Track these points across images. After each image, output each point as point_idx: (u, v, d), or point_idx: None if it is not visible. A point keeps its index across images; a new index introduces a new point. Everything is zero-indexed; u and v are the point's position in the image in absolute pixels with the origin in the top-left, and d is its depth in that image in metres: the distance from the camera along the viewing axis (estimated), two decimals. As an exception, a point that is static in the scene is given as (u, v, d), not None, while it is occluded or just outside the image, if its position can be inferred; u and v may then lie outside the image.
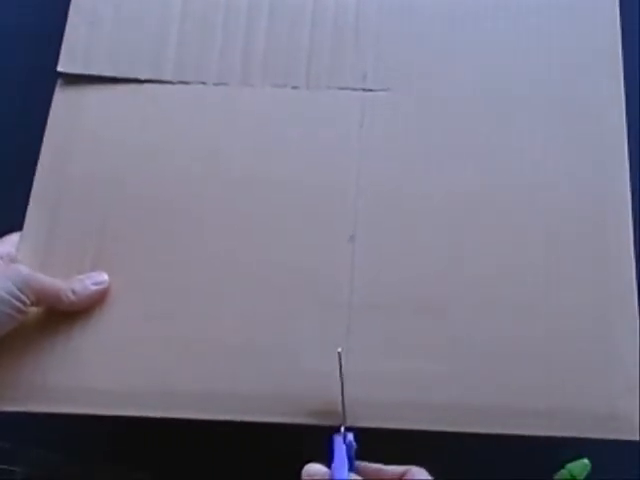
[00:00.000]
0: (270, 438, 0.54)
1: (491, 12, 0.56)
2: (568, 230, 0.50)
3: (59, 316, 0.49)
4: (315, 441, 0.44)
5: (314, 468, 0.43)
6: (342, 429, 0.45)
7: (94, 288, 0.49)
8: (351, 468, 0.43)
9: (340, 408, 0.46)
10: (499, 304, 0.49)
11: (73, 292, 0.48)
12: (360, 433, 0.45)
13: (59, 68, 0.55)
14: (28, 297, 0.46)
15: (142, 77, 0.55)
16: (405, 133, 0.53)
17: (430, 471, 0.43)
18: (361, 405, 0.46)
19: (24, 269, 0.47)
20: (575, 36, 0.55)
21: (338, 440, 0.44)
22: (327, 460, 0.43)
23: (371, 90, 0.55)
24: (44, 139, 0.53)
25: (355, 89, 0.55)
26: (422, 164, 0.52)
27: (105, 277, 0.49)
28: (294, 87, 0.55)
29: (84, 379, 0.47)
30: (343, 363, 0.45)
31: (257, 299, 0.49)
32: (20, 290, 0.46)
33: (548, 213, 0.51)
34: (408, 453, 0.43)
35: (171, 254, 0.51)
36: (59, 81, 0.55)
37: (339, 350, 0.45)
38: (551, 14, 0.56)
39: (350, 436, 0.45)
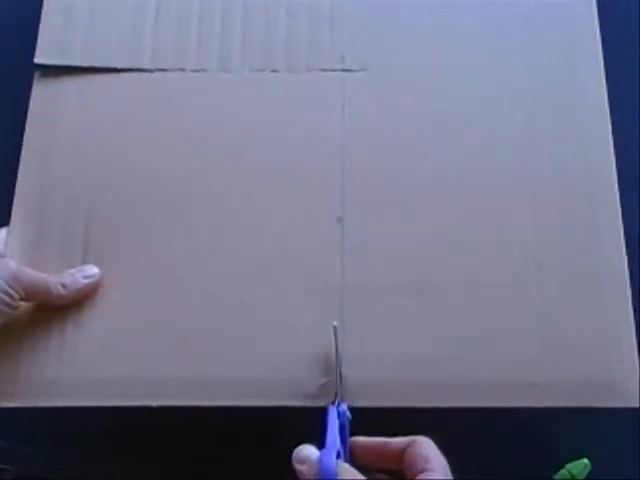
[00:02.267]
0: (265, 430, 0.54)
1: None
2: (555, 207, 0.51)
3: (52, 311, 0.49)
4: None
5: (304, 454, 0.42)
6: (336, 401, 0.45)
7: (85, 282, 0.49)
8: (344, 441, 0.43)
9: (335, 388, 0.46)
10: (490, 282, 0.49)
11: (63, 286, 0.48)
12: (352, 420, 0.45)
13: (36, 60, 0.54)
14: (17, 292, 0.46)
15: (120, 66, 0.55)
16: (387, 112, 0.53)
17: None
18: (356, 385, 0.47)
19: (13, 264, 0.47)
20: (555, 22, 0.55)
21: (332, 414, 0.44)
22: (319, 434, 0.43)
23: (350, 71, 0.55)
24: (25, 133, 0.53)
25: (334, 70, 0.55)
26: (405, 142, 0.53)
27: (95, 270, 0.49)
28: (273, 70, 0.55)
29: (81, 372, 0.48)
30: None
31: (247, 284, 0.49)
32: (9, 285, 0.46)
33: (535, 191, 0.51)
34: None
35: (158, 243, 0.51)
36: (36, 73, 0.55)
37: (335, 324, 0.46)
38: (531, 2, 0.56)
39: (344, 406, 0.45)
